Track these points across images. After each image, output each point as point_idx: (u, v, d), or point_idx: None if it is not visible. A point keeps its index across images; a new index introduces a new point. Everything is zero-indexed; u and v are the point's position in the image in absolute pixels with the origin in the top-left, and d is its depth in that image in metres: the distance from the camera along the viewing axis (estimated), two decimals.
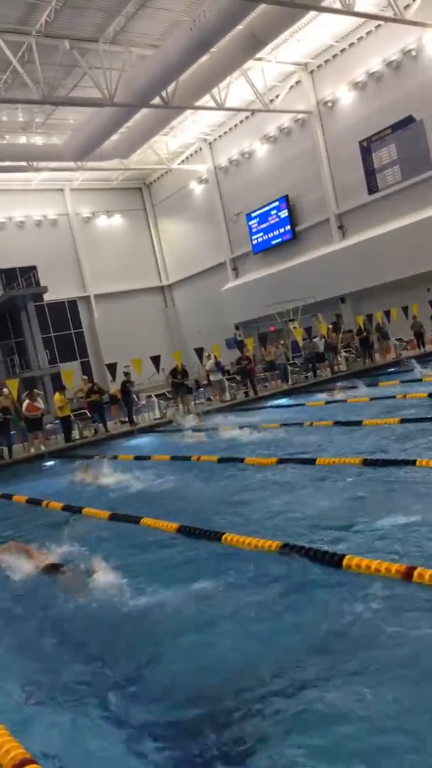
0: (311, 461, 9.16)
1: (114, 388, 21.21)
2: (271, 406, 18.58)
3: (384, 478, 7.56)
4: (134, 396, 20.68)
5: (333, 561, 5.07)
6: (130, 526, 7.53)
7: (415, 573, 4.49)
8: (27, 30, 20.64)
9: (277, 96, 28.78)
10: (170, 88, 22.33)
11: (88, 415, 19.02)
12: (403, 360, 21.82)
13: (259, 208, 32.13)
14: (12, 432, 17.98)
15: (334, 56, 27.49)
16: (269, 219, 31.89)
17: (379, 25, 25.07)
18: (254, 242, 33.01)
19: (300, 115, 29.45)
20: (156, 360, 22.09)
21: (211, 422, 16.25)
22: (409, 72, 25.18)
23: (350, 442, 10.25)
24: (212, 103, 25.52)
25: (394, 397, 14.33)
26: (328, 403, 16.22)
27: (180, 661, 4.19)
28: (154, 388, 23.45)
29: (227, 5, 17.94)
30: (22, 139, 28.84)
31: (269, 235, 32.13)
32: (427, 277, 24.95)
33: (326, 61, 27.87)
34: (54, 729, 3.64)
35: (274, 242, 31.99)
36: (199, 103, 25.23)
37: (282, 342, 24.37)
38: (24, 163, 28.47)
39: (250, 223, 32.98)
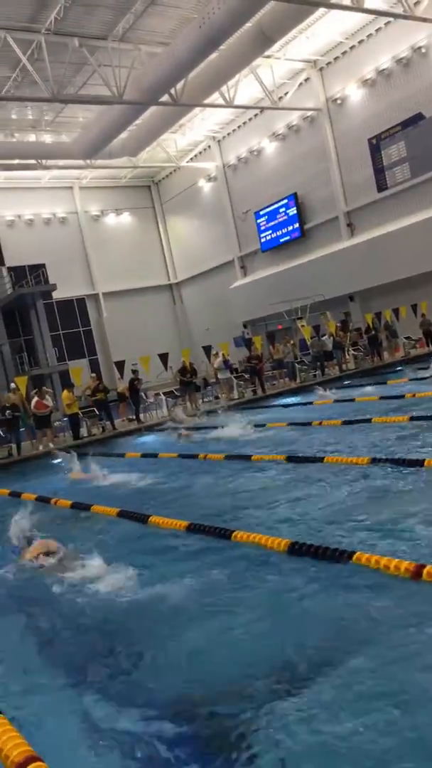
0: (319, 459, 9.15)
1: (122, 385, 21.25)
2: (279, 405, 18.55)
3: (393, 477, 7.53)
4: (142, 394, 20.70)
5: (342, 559, 5.06)
6: (138, 524, 7.54)
7: (425, 571, 4.48)
8: (36, 28, 20.68)
9: (286, 93, 28.71)
10: (179, 85, 22.31)
11: (96, 412, 19.06)
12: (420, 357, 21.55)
13: (268, 206, 32.07)
14: (21, 429, 18.04)
15: (344, 53, 27.39)
16: (278, 217, 31.83)
17: (388, 22, 24.95)
18: (262, 240, 32.95)
19: (309, 113, 29.36)
20: (164, 358, 22.11)
21: (218, 420, 16.23)
22: (418, 69, 25.05)
23: (358, 440, 10.21)
24: (221, 101, 25.49)
25: (402, 396, 14.29)
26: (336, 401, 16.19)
27: (185, 656, 4.19)
28: (162, 385, 23.47)
29: (237, 3, 17.91)
30: (32, 137, 28.91)
31: (278, 233, 32.07)
32: None
33: (335, 59, 27.76)
34: (53, 725, 3.65)
35: (282, 240, 31.93)
36: (208, 101, 25.20)
37: (290, 340, 24.33)
38: (33, 161, 28.54)
39: (258, 221, 32.93)
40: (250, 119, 32.30)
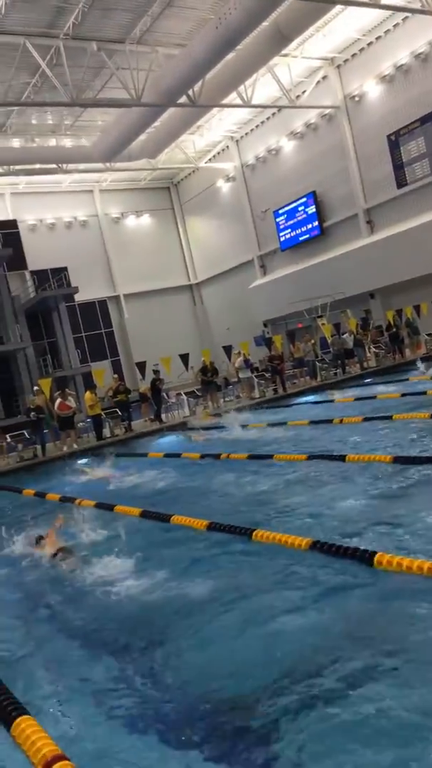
0: (341, 458, 9.15)
1: (144, 386, 21.38)
2: (300, 403, 18.54)
3: (414, 476, 7.52)
4: (164, 394, 20.81)
5: (364, 558, 5.07)
6: (161, 523, 7.62)
7: None
8: (55, 33, 20.89)
9: (304, 92, 28.62)
10: (197, 86, 22.36)
11: (118, 413, 19.21)
12: None
13: (287, 205, 32.00)
14: (45, 431, 18.27)
15: (361, 50, 27.21)
16: (297, 215, 31.74)
17: (406, 18, 24.74)
18: (282, 239, 32.88)
19: (327, 111, 29.23)
20: (185, 358, 22.21)
21: (240, 419, 16.27)
22: None
23: (380, 438, 10.19)
24: (238, 101, 25.48)
25: (424, 393, 14.20)
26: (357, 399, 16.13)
27: (207, 655, 4.24)
28: (183, 386, 23.57)
29: (253, 2, 17.90)
30: (52, 142, 29.20)
31: (297, 232, 31.97)
32: None
33: (353, 55, 27.60)
34: (74, 723, 3.70)
35: (301, 239, 31.82)
36: (225, 101, 25.22)
37: (311, 339, 24.27)
38: (54, 166, 28.83)
39: (277, 219, 32.86)
40: (267, 118, 32.25)
